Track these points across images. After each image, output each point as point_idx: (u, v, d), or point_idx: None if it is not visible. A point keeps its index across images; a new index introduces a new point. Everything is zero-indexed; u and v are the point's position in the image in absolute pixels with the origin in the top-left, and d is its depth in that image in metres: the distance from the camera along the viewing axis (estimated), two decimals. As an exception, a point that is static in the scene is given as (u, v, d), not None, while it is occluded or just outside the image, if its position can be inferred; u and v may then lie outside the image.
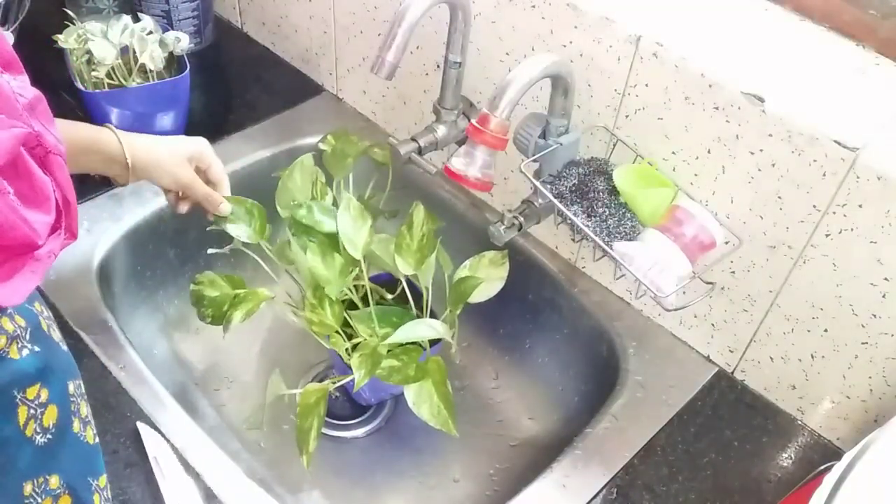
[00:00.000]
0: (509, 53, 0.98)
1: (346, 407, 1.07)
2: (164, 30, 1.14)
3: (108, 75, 1.11)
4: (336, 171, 1.04)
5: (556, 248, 1.08)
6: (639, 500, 0.84)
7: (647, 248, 0.84)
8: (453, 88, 1.00)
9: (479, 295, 0.94)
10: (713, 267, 0.89)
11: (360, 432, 1.05)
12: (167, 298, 1.12)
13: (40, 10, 1.16)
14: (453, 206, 1.15)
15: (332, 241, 0.92)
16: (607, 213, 0.87)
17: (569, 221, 0.88)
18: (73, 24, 1.11)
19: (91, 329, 0.93)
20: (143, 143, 0.87)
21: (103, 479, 0.66)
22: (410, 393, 0.86)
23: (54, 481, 0.61)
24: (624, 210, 0.88)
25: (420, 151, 1.02)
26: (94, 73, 1.10)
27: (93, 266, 1.00)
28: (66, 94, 1.19)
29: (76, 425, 0.64)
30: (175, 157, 0.89)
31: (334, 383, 0.91)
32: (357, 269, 0.93)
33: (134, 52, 1.11)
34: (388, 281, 1.00)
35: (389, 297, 0.99)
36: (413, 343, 0.91)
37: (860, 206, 0.76)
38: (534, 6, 0.92)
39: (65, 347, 0.65)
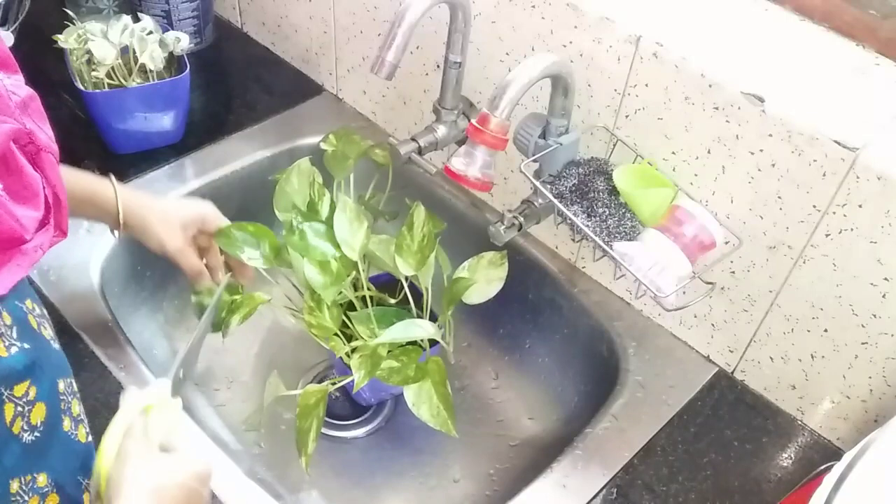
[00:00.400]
0: (509, 53, 0.98)
1: (346, 407, 1.07)
2: (164, 30, 1.14)
3: (108, 75, 1.11)
4: (337, 171, 1.04)
5: (556, 248, 1.08)
6: (639, 500, 0.84)
7: (647, 248, 0.84)
8: (453, 88, 1.00)
9: (479, 295, 0.94)
10: (713, 267, 0.89)
11: (359, 432, 1.05)
12: (167, 298, 1.12)
13: (40, 10, 1.16)
14: (453, 206, 1.15)
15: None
16: (607, 213, 0.87)
17: (569, 221, 0.88)
18: (73, 24, 1.11)
19: (91, 329, 0.93)
20: (137, 201, 0.85)
21: None
22: (410, 393, 0.86)
23: (42, 479, 0.61)
24: (624, 210, 0.88)
25: (420, 151, 1.02)
26: (94, 73, 1.10)
27: (93, 266, 1.00)
28: (66, 94, 1.19)
29: (67, 423, 0.64)
30: (166, 222, 0.86)
31: (334, 384, 0.91)
32: (354, 271, 0.93)
33: (134, 52, 1.11)
34: (388, 281, 1.00)
35: (392, 301, 0.99)
36: (413, 343, 0.91)
37: (860, 206, 0.76)
38: (534, 6, 0.92)
39: (57, 346, 0.65)
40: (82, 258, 1.00)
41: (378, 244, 0.95)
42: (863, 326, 0.82)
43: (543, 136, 0.91)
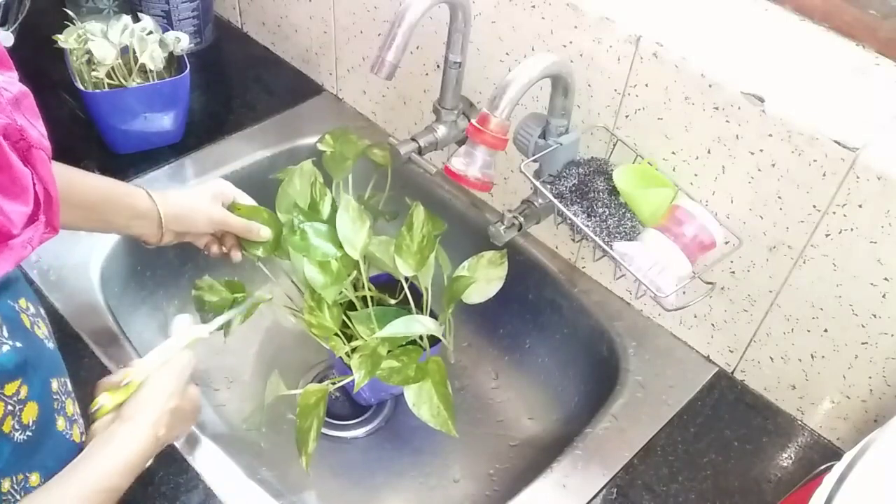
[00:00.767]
0: (509, 53, 0.98)
1: (346, 407, 1.07)
2: (164, 30, 1.14)
3: (108, 75, 1.11)
4: (335, 172, 1.04)
5: (556, 248, 1.08)
6: (639, 500, 0.84)
7: (647, 248, 0.84)
8: (453, 88, 1.00)
9: (479, 295, 0.94)
10: (713, 267, 0.89)
11: (359, 432, 1.05)
12: (167, 298, 1.12)
13: (40, 10, 1.16)
14: (453, 206, 1.15)
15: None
16: (607, 213, 0.87)
17: (569, 221, 0.88)
18: (73, 24, 1.11)
19: (91, 329, 0.93)
20: (172, 194, 0.90)
21: None
22: (410, 393, 0.86)
23: (34, 479, 0.61)
24: (624, 210, 0.88)
25: (420, 151, 1.02)
26: (94, 73, 1.10)
27: (93, 266, 1.00)
28: (66, 94, 1.19)
29: (61, 423, 0.64)
30: (204, 198, 0.91)
31: (334, 384, 0.91)
32: (356, 270, 0.93)
33: (134, 52, 1.11)
34: (388, 282, 1.00)
35: (392, 302, 0.99)
36: (413, 343, 0.91)
37: (860, 206, 0.76)
38: (534, 6, 0.92)
39: (51, 345, 0.65)
40: (82, 258, 1.00)
41: (378, 244, 0.95)
42: (863, 326, 0.82)
43: (543, 136, 0.91)
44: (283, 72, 1.35)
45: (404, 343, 0.90)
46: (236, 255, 0.96)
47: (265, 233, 0.94)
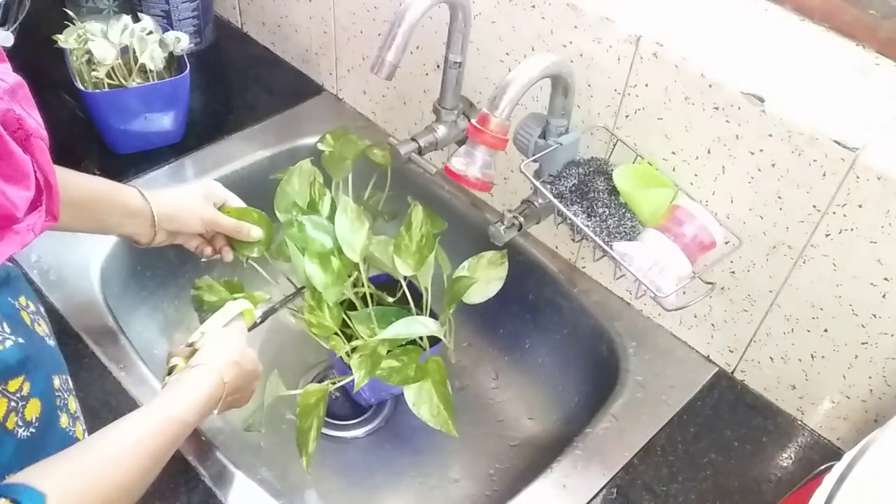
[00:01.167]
0: (509, 53, 0.98)
1: (346, 407, 1.07)
2: (164, 30, 1.14)
3: (108, 75, 1.11)
4: (335, 172, 1.04)
5: (556, 248, 1.08)
6: (639, 500, 0.84)
7: (647, 248, 0.84)
8: (453, 88, 1.00)
9: (479, 295, 0.94)
10: (713, 267, 0.88)
11: (359, 432, 1.05)
12: (167, 298, 1.12)
13: (40, 10, 1.16)
14: (453, 206, 1.15)
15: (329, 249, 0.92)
16: (607, 213, 0.87)
17: (569, 221, 0.88)
18: (73, 24, 1.11)
19: (91, 329, 0.93)
20: (164, 194, 0.90)
21: None
22: (410, 393, 0.86)
23: None
24: (624, 210, 0.88)
25: (420, 151, 1.02)
26: (94, 73, 1.10)
27: (93, 266, 1.00)
28: (66, 94, 1.19)
29: (64, 420, 0.64)
30: (196, 198, 0.92)
31: (334, 384, 0.91)
32: (356, 271, 0.93)
33: (134, 52, 1.11)
34: (387, 282, 1.00)
35: (390, 299, 0.99)
36: (413, 343, 0.91)
37: (860, 206, 0.76)
38: (534, 6, 0.92)
39: (52, 342, 0.66)
40: (82, 258, 1.00)
41: (377, 245, 0.95)
42: (863, 326, 0.82)
43: (543, 136, 0.91)
44: (283, 72, 1.35)
45: (404, 343, 0.90)
46: (227, 255, 0.96)
47: (256, 233, 0.94)
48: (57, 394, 0.64)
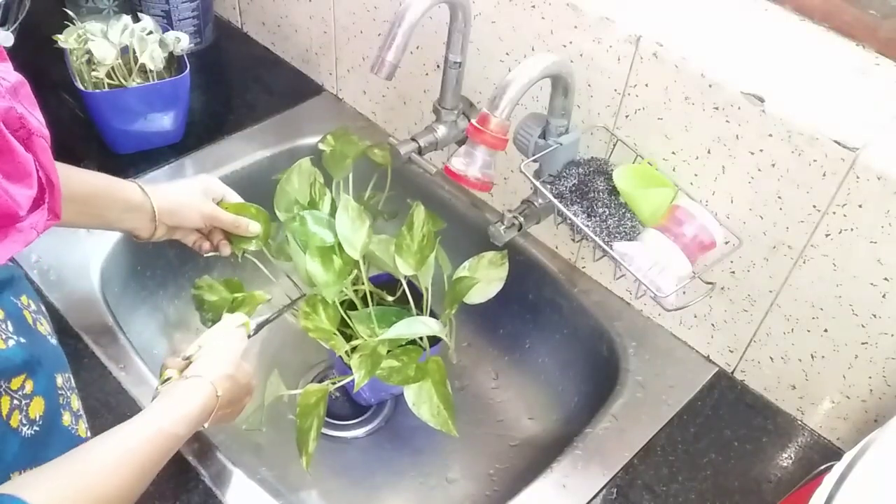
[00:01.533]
0: (509, 53, 0.98)
1: (346, 407, 1.07)
2: (164, 30, 1.14)
3: (108, 75, 1.11)
4: (335, 171, 1.04)
5: (556, 248, 1.08)
6: (639, 500, 0.84)
7: (647, 248, 0.84)
8: (453, 88, 1.00)
9: (479, 295, 0.94)
10: (713, 267, 0.89)
11: (359, 432, 1.05)
12: (167, 298, 1.12)
13: (40, 10, 1.16)
14: (453, 206, 1.15)
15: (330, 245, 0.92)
16: (607, 213, 0.87)
17: (569, 221, 0.88)
18: (73, 24, 1.11)
19: (91, 329, 0.93)
20: (163, 188, 0.90)
21: None
22: (410, 393, 0.86)
23: None
24: (624, 210, 0.88)
25: (420, 151, 1.02)
26: (94, 73, 1.10)
27: (93, 266, 1.00)
28: (66, 94, 1.19)
29: (67, 418, 0.64)
30: (195, 194, 0.92)
31: (334, 384, 0.91)
32: (356, 270, 0.93)
33: (134, 52, 1.11)
34: (387, 281, 1.00)
35: (390, 299, 0.99)
36: (413, 343, 0.91)
37: (860, 206, 0.76)
38: (534, 6, 0.92)
39: (54, 341, 0.66)
40: (82, 258, 1.00)
41: (377, 244, 0.95)
42: (863, 326, 0.82)
43: (543, 136, 0.91)
44: (283, 72, 1.35)
45: (404, 343, 0.90)
46: (225, 250, 0.96)
47: (254, 228, 0.95)
48: (60, 392, 0.64)
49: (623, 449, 0.88)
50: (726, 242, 0.87)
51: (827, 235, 0.80)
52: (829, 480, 0.62)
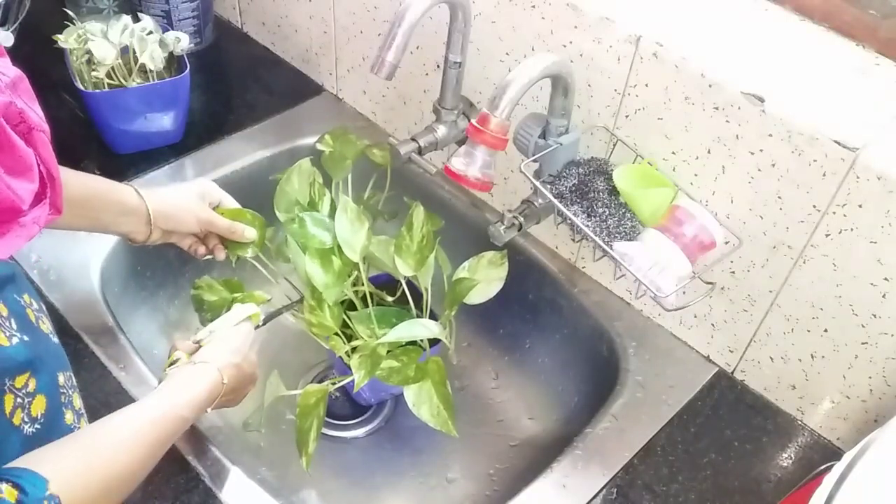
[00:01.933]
0: (509, 53, 0.98)
1: (346, 407, 1.07)
2: (164, 30, 1.14)
3: (108, 75, 1.11)
4: (335, 172, 1.04)
5: (556, 248, 1.08)
6: (639, 500, 0.84)
7: (647, 248, 0.84)
8: (453, 88, 1.00)
9: (479, 296, 0.94)
10: (713, 267, 0.89)
11: (359, 432, 1.05)
12: (167, 299, 1.12)
13: (40, 10, 1.16)
14: (453, 206, 1.15)
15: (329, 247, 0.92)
16: (607, 213, 0.87)
17: (569, 221, 0.88)
18: (73, 24, 1.11)
19: (91, 329, 0.93)
20: (159, 192, 0.90)
21: None
22: (410, 393, 0.86)
23: None
24: (624, 210, 0.88)
25: (420, 151, 1.02)
26: (94, 73, 1.10)
27: (93, 266, 1.00)
28: (66, 94, 1.19)
29: (69, 416, 0.65)
30: (191, 198, 0.92)
31: (334, 384, 0.91)
32: (356, 271, 0.93)
33: (134, 52, 1.11)
34: (387, 282, 1.00)
35: (390, 298, 0.99)
36: (413, 344, 0.91)
37: (860, 206, 0.76)
38: (534, 6, 0.92)
39: (55, 340, 0.66)
40: (82, 258, 1.00)
41: (377, 244, 0.95)
42: (863, 326, 0.82)
43: (543, 136, 0.91)
44: (283, 72, 1.35)
45: (404, 343, 0.90)
46: (220, 254, 0.96)
47: (250, 233, 0.95)
48: (62, 390, 0.64)
49: (623, 449, 0.88)
50: (726, 242, 0.87)
51: (827, 235, 0.80)
52: (829, 480, 0.62)
